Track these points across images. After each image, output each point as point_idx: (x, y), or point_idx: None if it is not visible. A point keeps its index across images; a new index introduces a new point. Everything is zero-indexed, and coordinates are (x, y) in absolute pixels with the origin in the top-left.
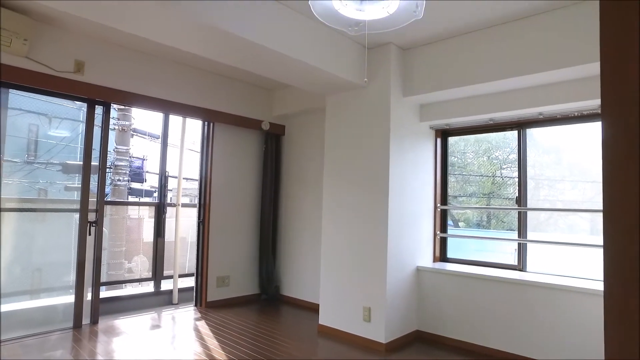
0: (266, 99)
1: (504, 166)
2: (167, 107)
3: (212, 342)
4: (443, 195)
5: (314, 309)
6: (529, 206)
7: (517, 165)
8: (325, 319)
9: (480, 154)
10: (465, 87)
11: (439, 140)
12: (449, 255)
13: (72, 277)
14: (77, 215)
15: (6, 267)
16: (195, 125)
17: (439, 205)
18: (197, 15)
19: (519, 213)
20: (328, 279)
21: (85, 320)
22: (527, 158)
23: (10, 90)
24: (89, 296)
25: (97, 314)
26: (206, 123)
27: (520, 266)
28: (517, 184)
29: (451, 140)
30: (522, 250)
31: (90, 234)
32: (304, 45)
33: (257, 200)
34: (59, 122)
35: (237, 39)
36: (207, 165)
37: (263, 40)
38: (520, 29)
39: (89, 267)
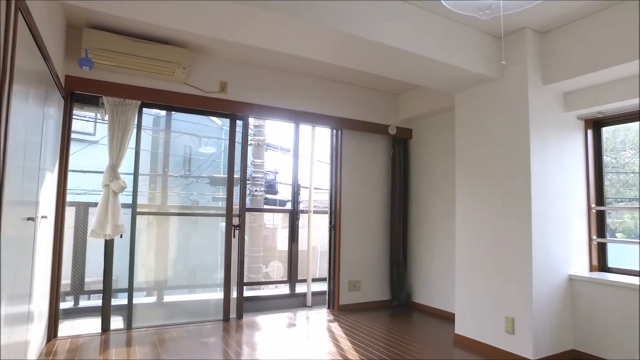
0: (392, 103)
1: None
2: (298, 117)
3: (346, 344)
4: (598, 194)
5: (447, 317)
6: None
7: None
8: (462, 328)
9: None
10: (622, 66)
11: (589, 131)
12: (610, 264)
13: (219, 276)
14: (222, 223)
15: (171, 263)
16: (323, 137)
17: (593, 206)
18: (326, 21)
19: None
20: (464, 287)
21: (232, 314)
22: None
23: (173, 114)
24: (234, 294)
25: (242, 310)
26: (334, 131)
27: None
28: None
29: (605, 132)
30: None
31: (234, 237)
32: (432, 42)
33: (387, 205)
34: (207, 141)
35: (365, 42)
36: (336, 171)
37: (390, 40)
38: None
39: (233, 268)
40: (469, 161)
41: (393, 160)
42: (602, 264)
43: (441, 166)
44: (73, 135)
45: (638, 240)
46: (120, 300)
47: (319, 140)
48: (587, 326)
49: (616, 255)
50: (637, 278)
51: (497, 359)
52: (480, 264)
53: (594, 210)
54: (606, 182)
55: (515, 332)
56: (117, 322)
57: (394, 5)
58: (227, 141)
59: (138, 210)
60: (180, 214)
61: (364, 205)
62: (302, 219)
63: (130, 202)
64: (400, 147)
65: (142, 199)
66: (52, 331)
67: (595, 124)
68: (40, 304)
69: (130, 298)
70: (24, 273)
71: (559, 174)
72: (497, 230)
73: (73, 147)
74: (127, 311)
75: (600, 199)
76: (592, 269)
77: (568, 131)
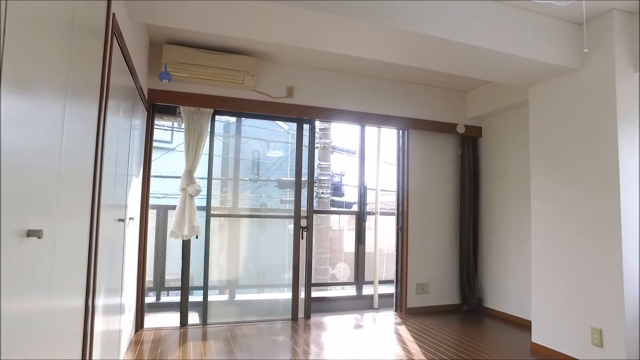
0: (460, 101)
1: None
2: (363, 118)
3: (414, 347)
4: None
5: (522, 325)
6: None
7: None
8: (540, 337)
9: None
10: None
11: None
12: None
13: (287, 276)
14: (290, 225)
15: (242, 263)
16: (389, 138)
17: None
18: (390, 21)
19: None
20: (542, 292)
21: (300, 314)
22: None
23: (242, 120)
24: (302, 294)
25: (310, 310)
26: (401, 131)
27: None
28: None
29: None
30: None
31: (302, 238)
32: (503, 34)
33: (455, 206)
34: (274, 145)
35: (431, 40)
36: (403, 172)
37: (457, 36)
38: None
39: (301, 269)
40: (545, 159)
41: (462, 159)
42: None
43: (515, 165)
44: (153, 144)
45: None
46: (196, 297)
47: (385, 142)
48: None
49: None
50: None
51: None
52: (560, 268)
53: None
54: None
55: (604, 345)
56: (193, 318)
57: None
58: (294, 145)
59: (212, 212)
60: (250, 216)
61: (432, 206)
62: (369, 221)
63: (205, 204)
64: (469, 146)
65: (215, 202)
66: (139, 322)
67: None
68: (129, 298)
69: (205, 295)
70: (117, 269)
71: None
72: (580, 233)
73: (154, 155)
74: (203, 308)
75: None
76: None
77: None
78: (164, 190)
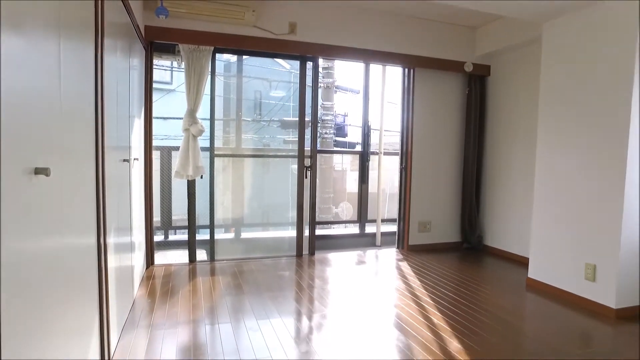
0: (469, 38)
1: None
2: (368, 56)
3: (414, 282)
4: None
5: (521, 262)
6: None
7: None
8: (536, 272)
9: None
10: None
11: None
12: None
13: (291, 215)
14: (294, 165)
15: (246, 202)
16: (394, 77)
17: None
18: None
19: None
20: (541, 230)
21: (305, 251)
22: None
23: (244, 59)
24: (306, 232)
25: (314, 247)
26: (406, 70)
27: None
28: None
29: None
30: None
31: (306, 178)
32: None
33: (460, 145)
34: (277, 85)
35: None
36: (408, 112)
37: None
38: None
39: (305, 208)
40: (556, 95)
41: (468, 99)
42: None
43: (522, 103)
44: (154, 85)
45: None
46: (203, 235)
47: (389, 81)
48: None
49: None
50: None
51: (571, 305)
52: (562, 207)
53: None
54: None
55: (596, 280)
56: (201, 255)
57: None
58: (297, 84)
59: (215, 152)
60: (253, 156)
61: (436, 146)
62: (372, 161)
63: (208, 145)
64: (476, 85)
65: (218, 143)
66: (149, 259)
67: None
68: (138, 236)
69: (211, 233)
70: (125, 209)
71: None
72: (584, 172)
73: (154, 96)
74: (210, 245)
75: None
76: None
77: None
78: (167, 132)
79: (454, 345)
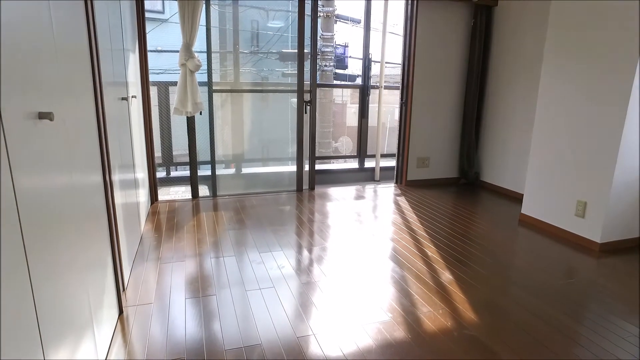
0: None
1: None
2: None
3: (411, 215)
4: None
5: (516, 198)
6: None
7: None
8: (529, 208)
9: None
10: None
11: None
12: None
13: (291, 150)
14: (293, 99)
15: (247, 138)
16: (397, 5)
17: None
18: None
19: None
20: (537, 167)
21: (305, 186)
22: None
23: None
24: (306, 167)
25: (314, 182)
26: (409, 0)
27: None
28: None
29: None
30: None
31: (306, 112)
32: None
33: (462, 80)
34: (274, 14)
35: None
36: (410, 43)
37: None
38: None
39: (305, 143)
40: (564, 31)
41: (473, 31)
42: None
43: (528, 36)
44: (145, 15)
45: None
46: (204, 171)
47: (392, 10)
48: None
49: None
50: None
51: (560, 239)
52: (560, 145)
53: None
54: None
55: (585, 216)
56: (203, 190)
57: None
58: (295, 14)
59: (214, 87)
60: (252, 91)
61: (438, 80)
62: (372, 95)
63: (206, 80)
64: (482, 16)
65: (215, 77)
66: (153, 195)
67: None
68: (141, 173)
69: (213, 169)
70: (126, 146)
71: None
72: (585, 109)
73: (147, 27)
74: (212, 181)
75: None
76: None
77: None
78: (163, 66)
79: (446, 276)
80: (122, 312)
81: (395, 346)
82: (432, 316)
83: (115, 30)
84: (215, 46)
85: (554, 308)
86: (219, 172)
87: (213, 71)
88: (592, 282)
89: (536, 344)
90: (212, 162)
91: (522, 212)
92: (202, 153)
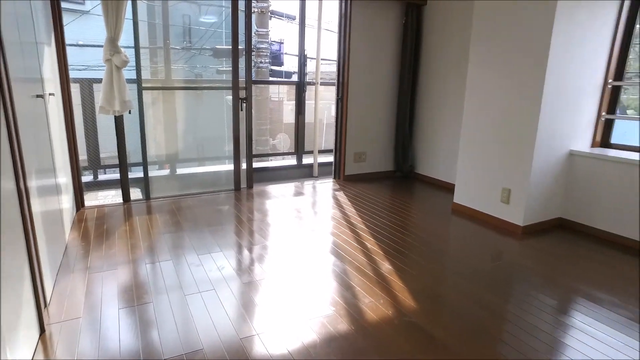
0: None
1: None
2: None
3: (350, 209)
4: (619, 68)
5: (448, 188)
6: None
7: None
8: (460, 197)
9: None
10: None
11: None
12: (614, 141)
13: (227, 148)
14: (228, 97)
15: (180, 137)
16: (331, 3)
17: (610, 81)
18: None
19: None
20: (466, 158)
21: (243, 184)
22: None
23: None
24: (244, 165)
25: (252, 180)
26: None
27: None
28: None
29: None
30: None
31: (242, 110)
32: None
33: (396, 76)
34: (207, 9)
35: None
36: (345, 40)
37: None
38: None
39: (242, 141)
40: (486, 31)
41: (405, 29)
42: (605, 140)
43: (457, 36)
44: (62, 4)
45: None
46: (136, 173)
47: (327, 7)
48: (577, 197)
49: (624, 131)
50: (637, 154)
51: (488, 225)
52: (486, 137)
53: (610, 86)
54: (631, 55)
55: (510, 202)
56: (136, 194)
57: None
58: (229, 9)
59: (143, 85)
60: (185, 88)
61: (372, 76)
62: (309, 91)
63: (135, 77)
64: (413, 15)
65: (145, 74)
66: (79, 201)
67: None
68: (63, 177)
69: (145, 171)
70: (45, 148)
71: (581, 44)
72: (506, 105)
73: (64, 19)
74: (144, 183)
75: (619, 73)
76: (594, 144)
77: None
78: (86, 61)
79: (386, 266)
80: (44, 330)
81: (339, 338)
82: (373, 306)
83: (25, 20)
84: (144, 41)
85: (485, 290)
86: (152, 173)
87: (142, 67)
88: (516, 262)
89: (471, 325)
90: (144, 164)
91: (454, 201)
92: (133, 154)
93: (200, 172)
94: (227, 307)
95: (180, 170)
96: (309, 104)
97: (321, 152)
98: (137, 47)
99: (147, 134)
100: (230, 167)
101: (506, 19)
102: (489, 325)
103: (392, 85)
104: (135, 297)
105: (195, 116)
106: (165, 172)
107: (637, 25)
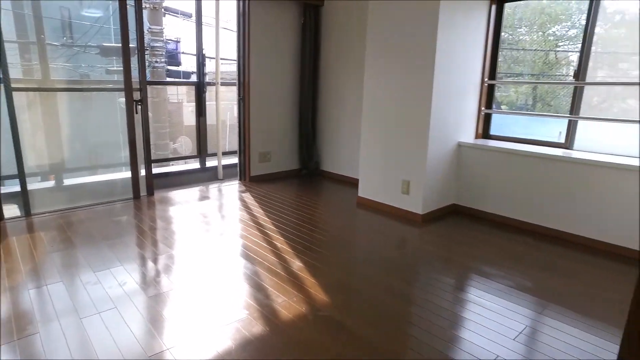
0: None
1: (560, 44)
2: None
3: (258, 211)
4: (492, 69)
5: (353, 183)
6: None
7: (581, 39)
8: (364, 191)
9: (535, 30)
10: None
11: (493, 7)
12: (492, 132)
13: (123, 154)
14: (121, 99)
15: (66, 144)
16: (229, 3)
17: (486, 80)
18: None
19: (574, 91)
20: (368, 154)
21: (142, 192)
22: (594, 31)
23: None
24: (142, 172)
25: (152, 187)
26: None
27: (567, 144)
28: (578, 58)
29: (508, 7)
30: (571, 129)
31: (137, 112)
32: None
33: (297, 75)
34: (90, 3)
35: None
36: (244, 40)
37: None
38: None
39: (139, 145)
40: (380, 32)
41: (304, 29)
42: (485, 132)
43: (354, 35)
44: None
45: (518, 112)
46: (10, 187)
47: (224, 5)
48: (467, 184)
49: (499, 124)
50: (511, 143)
51: (392, 215)
52: (384, 132)
53: (486, 84)
54: (500, 58)
55: (410, 193)
56: (12, 211)
57: None
58: (116, 3)
59: (13, 85)
60: (69, 90)
61: (274, 76)
62: (209, 92)
63: (0, 75)
64: (311, 15)
65: (16, 73)
66: None
67: (500, 0)
68: None
69: (23, 184)
70: None
71: (462, 49)
72: (402, 102)
73: None
74: (22, 198)
75: (492, 73)
76: (477, 136)
77: (474, 7)
78: None
79: (297, 264)
80: None
81: (255, 341)
82: (287, 305)
83: None
84: (9, 34)
85: (393, 277)
86: (32, 186)
87: (11, 65)
88: (418, 248)
89: (382, 311)
90: (21, 176)
91: (359, 195)
92: (6, 165)
93: (93, 181)
94: (132, 325)
95: (68, 181)
96: (210, 104)
97: (225, 153)
98: (0, 41)
99: (23, 141)
100: (127, 174)
101: (397, 22)
102: (398, 310)
103: (294, 84)
104: (15, 330)
105: (84, 120)
106: (50, 183)
107: (502, 33)
